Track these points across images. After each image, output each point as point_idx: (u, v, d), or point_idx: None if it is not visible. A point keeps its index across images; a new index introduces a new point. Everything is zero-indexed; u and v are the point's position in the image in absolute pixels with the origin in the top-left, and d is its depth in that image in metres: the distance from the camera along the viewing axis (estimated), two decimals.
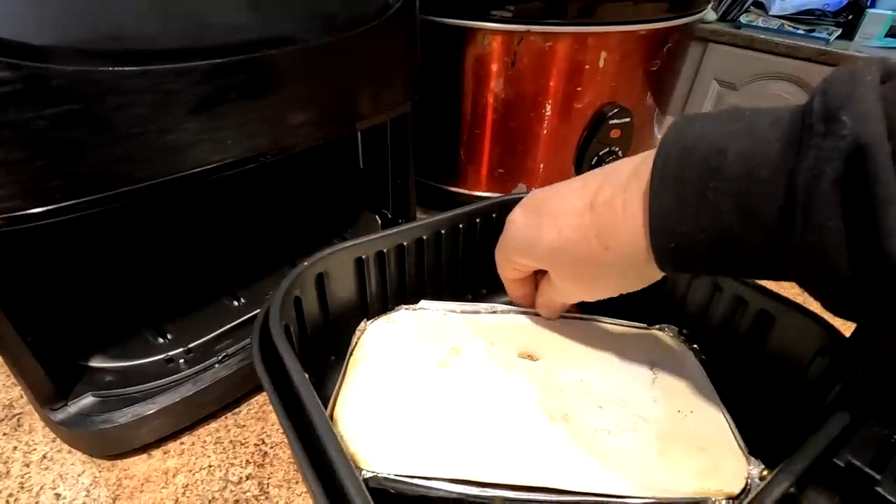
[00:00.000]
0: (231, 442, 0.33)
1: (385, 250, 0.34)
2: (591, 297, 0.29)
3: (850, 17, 1.47)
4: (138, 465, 0.31)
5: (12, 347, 0.26)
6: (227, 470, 0.31)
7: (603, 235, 0.24)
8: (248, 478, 0.31)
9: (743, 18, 1.57)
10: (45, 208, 0.21)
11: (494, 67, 0.45)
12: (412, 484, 0.24)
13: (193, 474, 0.31)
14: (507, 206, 0.39)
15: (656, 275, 0.24)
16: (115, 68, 0.21)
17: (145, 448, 0.32)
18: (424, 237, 0.36)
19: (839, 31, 1.44)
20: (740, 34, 1.52)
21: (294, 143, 0.30)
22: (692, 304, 0.34)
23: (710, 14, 1.58)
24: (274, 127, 0.28)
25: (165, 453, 0.32)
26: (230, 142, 0.26)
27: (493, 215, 0.39)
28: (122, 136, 0.22)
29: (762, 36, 1.49)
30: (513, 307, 0.36)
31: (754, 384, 0.30)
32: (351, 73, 0.31)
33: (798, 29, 1.47)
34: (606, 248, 0.24)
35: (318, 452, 0.21)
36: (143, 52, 0.22)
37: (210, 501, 0.29)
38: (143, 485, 0.30)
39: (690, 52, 1.66)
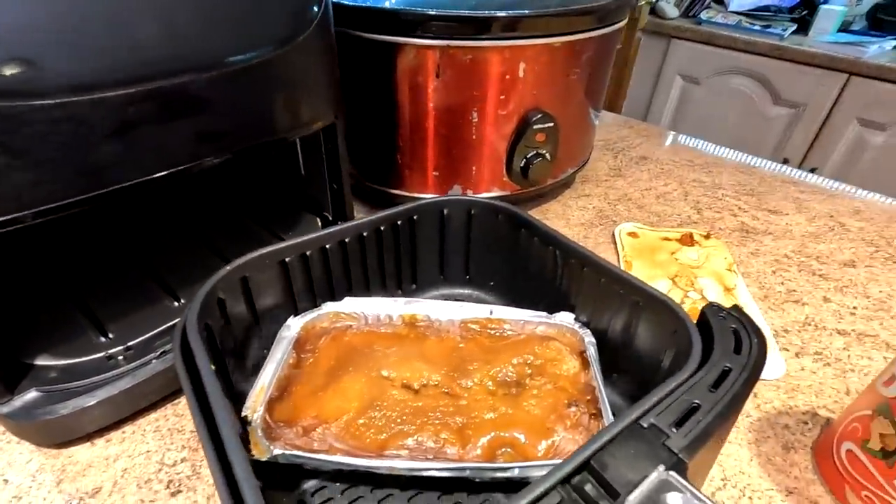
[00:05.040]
0: (169, 430, 0.36)
1: (308, 253, 0.38)
2: None
3: (804, 13, 1.52)
4: (82, 452, 0.34)
5: None
6: (164, 454, 0.34)
7: None
8: (182, 461, 0.34)
9: (703, 14, 1.61)
10: None
11: (421, 79, 0.48)
12: (311, 459, 0.28)
13: (132, 459, 0.34)
14: (426, 210, 0.43)
15: None
16: (29, 103, 0.24)
17: (89, 437, 0.35)
18: (347, 239, 0.39)
19: (794, 27, 1.49)
20: (701, 30, 1.57)
21: (212, 158, 0.33)
22: (582, 296, 0.38)
23: (671, 10, 1.63)
24: (190, 145, 0.31)
25: (108, 441, 0.35)
26: (148, 162, 0.29)
27: (414, 217, 0.42)
28: (40, 161, 0.25)
29: (721, 31, 1.53)
30: (425, 298, 0.40)
31: (631, 360, 0.34)
32: (265, 94, 0.34)
33: (755, 25, 1.51)
34: None
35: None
36: (57, 86, 0.25)
37: (146, 482, 0.33)
38: (85, 469, 0.33)
39: (654, 47, 1.71)
